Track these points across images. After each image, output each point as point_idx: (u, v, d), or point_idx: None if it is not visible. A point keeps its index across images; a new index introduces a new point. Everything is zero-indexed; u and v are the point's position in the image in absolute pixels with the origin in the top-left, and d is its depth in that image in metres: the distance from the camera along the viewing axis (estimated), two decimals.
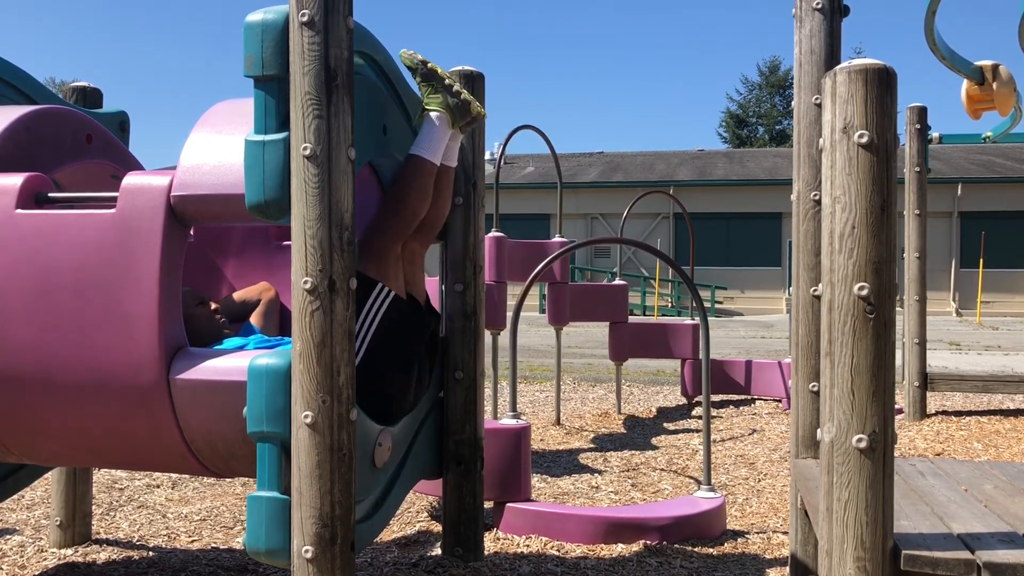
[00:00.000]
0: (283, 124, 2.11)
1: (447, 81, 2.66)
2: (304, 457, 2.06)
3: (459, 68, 3.01)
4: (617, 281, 6.93)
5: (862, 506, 1.79)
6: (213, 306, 2.78)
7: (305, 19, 2.03)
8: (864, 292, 1.79)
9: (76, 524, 3.28)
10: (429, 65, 2.66)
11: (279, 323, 2.96)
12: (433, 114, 2.65)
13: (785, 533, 3.44)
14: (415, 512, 3.80)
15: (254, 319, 2.91)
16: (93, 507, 3.50)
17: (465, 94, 2.68)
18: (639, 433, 5.91)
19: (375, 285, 2.51)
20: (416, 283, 2.70)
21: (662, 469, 4.74)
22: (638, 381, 8.59)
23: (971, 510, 2.22)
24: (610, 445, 5.46)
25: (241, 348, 2.60)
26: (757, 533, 3.49)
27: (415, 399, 2.69)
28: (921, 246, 6.34)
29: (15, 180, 2.34)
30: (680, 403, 7.22)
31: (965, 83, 7.03)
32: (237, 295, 2.94)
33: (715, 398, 7.16)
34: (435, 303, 3.07)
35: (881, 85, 1.80)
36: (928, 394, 6.49)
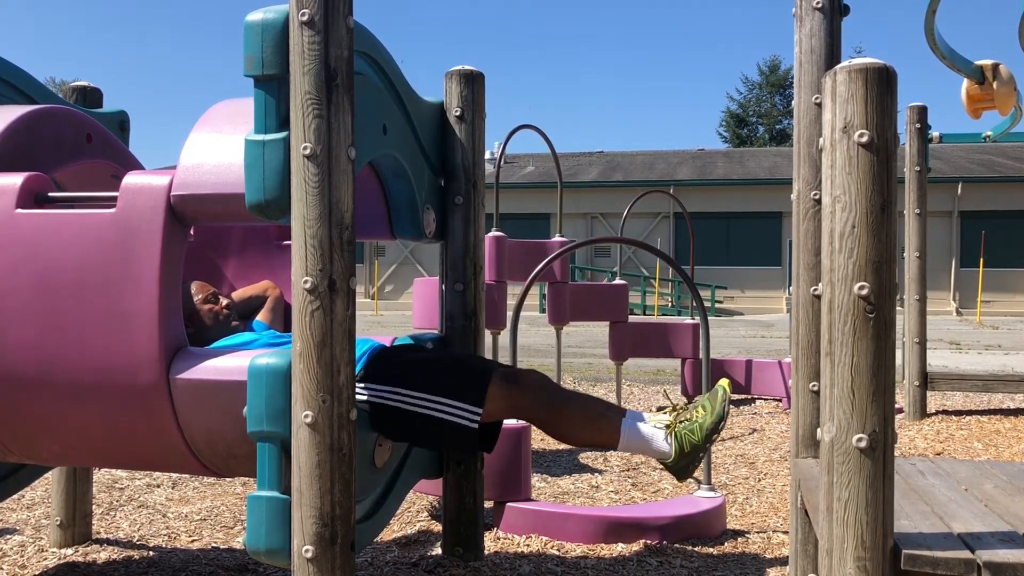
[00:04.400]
0: (283, 124, 2.11)
1: (703, 454, 2.51)
2: (304, 457, 2.06)
3: (459, 68, 3.01)
4: (617, 281, 6.93)
5: (862, 505, 1.79)
6: (224, 301, 2.78)
7: (305, 18, 2.03)
8: (864, 292, 1.79)
9: (76, 524, 3.28)
10: (719, 434, 2.52)
11: (284, 321, 2.96)
12: (666, 445, 2.49)
13: (785, 532, 3.44)
14: (415, 512, 3.80)
15: (262, 317, 2.91)
16: (93, 507, 3.50)
17: (695, 467, 2.53)
18: None
19: (479, 407, 2.39)
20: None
21: (662, 469, 4.74)
22: (638, 380, 8.59)
23: (971, 509, 2.22)
24: None
25: (252, 343, 2.60)
26: (757, 533, 3.49)
27: None
28: (921, 245, 6.34)
29: (15, 180, 2.34)
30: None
31: (965, 82, 7.03)
32: (239, 293, 2.94)
33: None
34: (435, 303, 3.07)
35: (881, 84, 1.80)
36: (928, 393, 6.49)
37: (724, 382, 2.57)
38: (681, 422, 2.51)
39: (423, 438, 2.53)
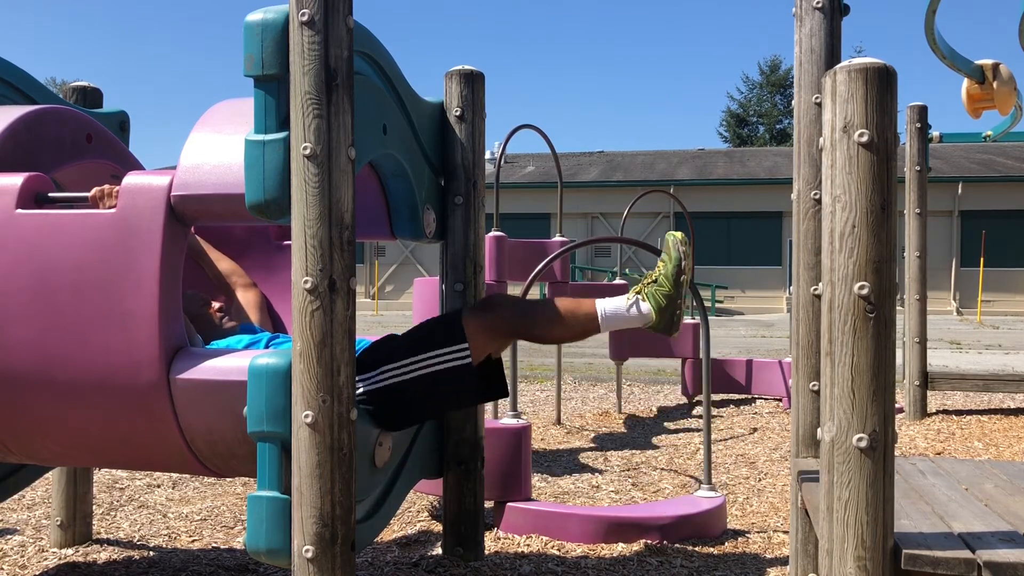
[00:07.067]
0: (283, 124, 2.11)
1: (682, 299, 2.58)
2: (304, 457, 2.06)
3: (459, 68, 3.01)
4: (618, 280, 6.93)
5: (862, 505, 1.79)
6: (216, 305, 2.79)
7: (305, 18, 2.03)
8: (864, 291, 1.78)
9: (77, 524, 3.28)
10: (685, 272, 2.58)
11: (272, 320, 2.97)
12: (645, 305, 2.57)
13: (786, 532, 3.44)
14: (415, 512, 3.80)
15: (252, 318, 2.91)
16: (94, 507, 3.50)
17: (680, 313, 2.59)
18: (640, 432, 5.91)
19: (463, 343, 2.46)
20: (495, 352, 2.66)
21: (663, 468, 4.74)
22: (639, 380, 8.59)
23: (972, 509, 2.21)
24: (611, 444, 5.46)
25: (254, 344, 2.60)
26: (757, 532, 3.49)
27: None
28: (921, 245, 6.33)
29: (15, 180, 2.34)
30: (681, 402, 7.22)
31: (965, 82, 7.04)
32: (213, 259, 2.95)
33: (716, 397, 7.16)
34: (435, 303, 3.07)
35: (881, 84, 1.80)
36: (929, 393, 6.49)
37: (672, 232, 2.66)
38: (647, 284, 2.61)
39: (430, 403, 2.53)
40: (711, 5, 77.28)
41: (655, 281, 2.59)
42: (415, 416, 2.57)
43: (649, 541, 3.25)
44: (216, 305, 2.77)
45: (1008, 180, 24.32)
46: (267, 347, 2.60)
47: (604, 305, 2.59)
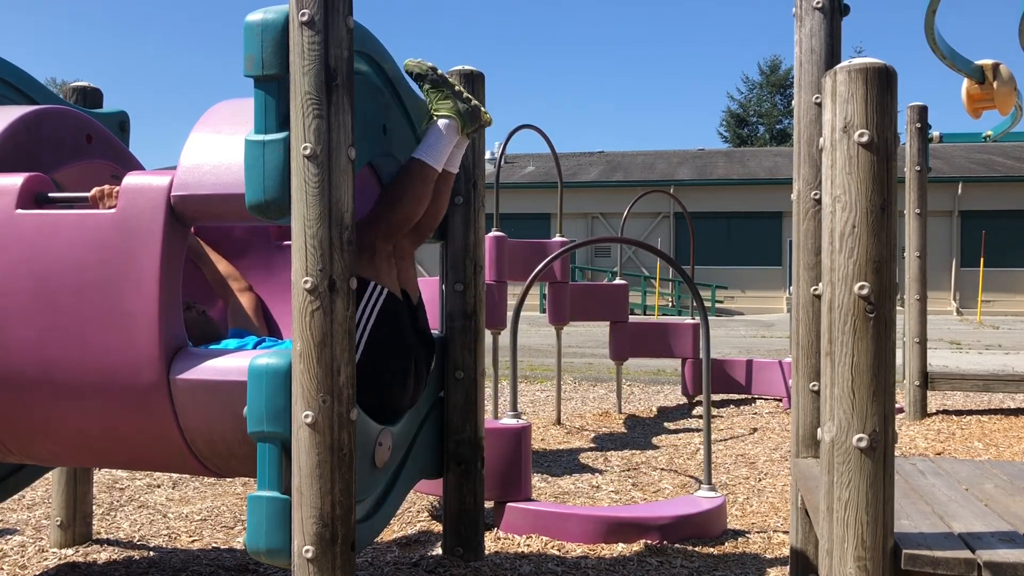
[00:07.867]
0: (283, 124, 2.11)
1: (457, 88, 2.67)
2: (304, 457, 2.06)
3: (459, 68, 3.01)
4: (617, 280, 6.93)
5: (863, 505, 1.79)
6: (200, 308, 2.78)
7: (305, 19, 2.04)
8: (864, 291, 1.79)
9: (77, 524, 3.28)
10: (439, 72, 2.67)
11: (268, 323, 2.96)
12: (442, 121, 2.64)
13: (786, 532, 3.44)
14: (416, 512, 3.80)
15: (248, 321, 2.91)
16: (94, 507, 3.50)
17: (474, 100, 2.69)
18: (640, 432, 5.91)
19: (368, 283, 2.50)
20: (409, 280, 2.70)
21: (663, 468, 4.74)
22: (639, 380, 8.59)
23: (972, 509, 2.22)
24: (611, 444, 5.46)
25: (242, 348, 2.60)
26: (758, 532, 3.49)
27: (415, 395, 2.69)
28: (921, 245, 6.34)
29: (15, 180, 2.34)
30: (681, 402, 7.22)
31: (965, 82, 7.04)
32: (215, 264, 2.95)
33: (716, 397, 7.16)
34: (435, 303, 3.07)
35: (881, 84, 1.80)
36: (929, 393, 6.49)
37: (404, 63, 2.69)
38: (430, 112, 2.68)
39: (391, 354, 2.52)
40: (711, 5, 77.31)
41: (429, 104, 2.67)
42: (396, 376, 2.55)
43: (649, 541, 3.25)
44: (200, 308, 2.77)
45: (1008, 180, 24.32)
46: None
47: (421, 153, 2.63)
